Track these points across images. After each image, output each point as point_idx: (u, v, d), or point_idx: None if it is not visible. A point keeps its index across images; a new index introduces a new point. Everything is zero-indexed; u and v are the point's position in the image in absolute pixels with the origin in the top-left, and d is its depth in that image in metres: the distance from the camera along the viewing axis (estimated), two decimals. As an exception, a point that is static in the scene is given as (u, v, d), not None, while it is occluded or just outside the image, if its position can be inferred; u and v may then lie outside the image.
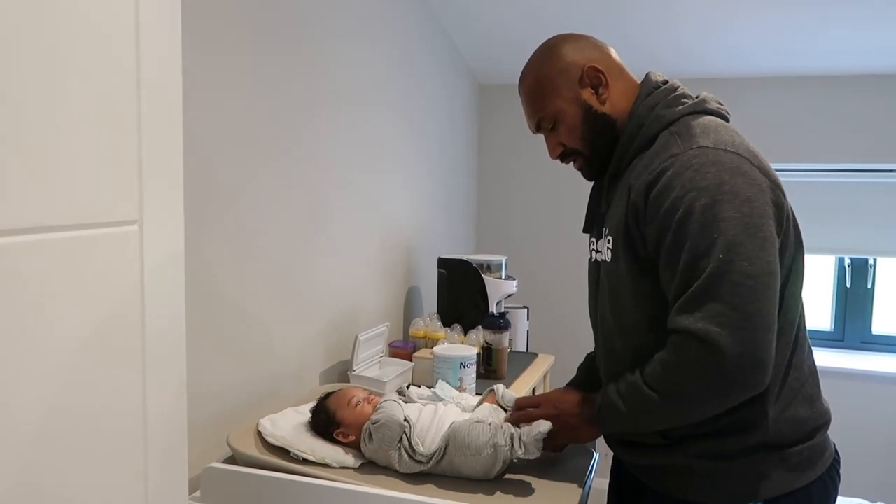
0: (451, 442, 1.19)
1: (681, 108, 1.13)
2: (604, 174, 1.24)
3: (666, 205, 1.04)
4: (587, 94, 1.18)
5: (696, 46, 2.65)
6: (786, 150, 2.85)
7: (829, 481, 1.14)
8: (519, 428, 1.21)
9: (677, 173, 1.04)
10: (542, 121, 1.22)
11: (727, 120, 1.17)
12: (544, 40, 1.25)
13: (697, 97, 1.17)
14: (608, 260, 1.17)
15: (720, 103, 1.19)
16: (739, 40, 2.58)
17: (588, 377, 1.38)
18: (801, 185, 2.92)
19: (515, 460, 1.20)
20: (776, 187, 1.07)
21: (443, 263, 2.33)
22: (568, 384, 1.40)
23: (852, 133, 2.81)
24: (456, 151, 2.92)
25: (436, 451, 1.19)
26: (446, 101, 2.78)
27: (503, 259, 2.34)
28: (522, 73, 1.25)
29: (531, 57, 1.25)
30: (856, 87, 2.78)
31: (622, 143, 1.17)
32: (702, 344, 0.99)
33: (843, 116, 2.81)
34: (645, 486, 1.20)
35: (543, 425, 1.17)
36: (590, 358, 1.43)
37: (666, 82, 1.19)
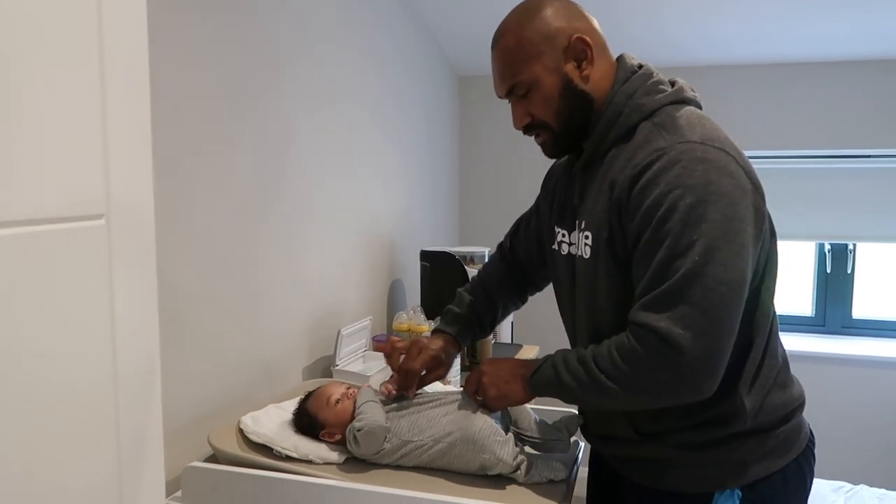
0: (462, 431, 1.17)
1: (660, 96, 1.09)
2: (566, 153, 1.19)
3: (649, 201, 1.01)
4: (570, 67, 1.10)
5: (677, 35, 2.66)
6: (766, 137, 2.86)
7: (805, 462, 1.14)
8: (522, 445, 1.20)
9: (663, 168, 1.00)
10: (516, 87, 1.13)
11: (700, 108, 1.14)
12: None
13: (673, 84, 1.13)
14: (586, 256, 1.13)
15: (693, 90, 1.15)
16: (719, 29, 2.59)
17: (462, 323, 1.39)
18: (781, 171, 2.94)
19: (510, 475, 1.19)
20: (756, 190, 1.04)
21: (426, 256, 2.31)
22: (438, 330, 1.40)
23: (832, 119, 2.83)
24: (437, 143, 2.91)
25: (430, 437, 1.18)
26: (426, 93, 2.76)
27: (486, 251, 2.33)
28: (499, 30, 1.15)
29: (511, 14, 1.15)
30: (835, 74, 2.80)
31: (598, 130, 1.12)
32: (662, 342, 0.98)
33: (824, 103, 2.83)
34: (622, 477, 1.18)
35: (559, 474, 1.17)
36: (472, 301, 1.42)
37: (641, 66, 1.14)
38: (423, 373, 1.32)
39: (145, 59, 0.67)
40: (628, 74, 1.12)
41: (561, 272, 1.24)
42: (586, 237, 1.12)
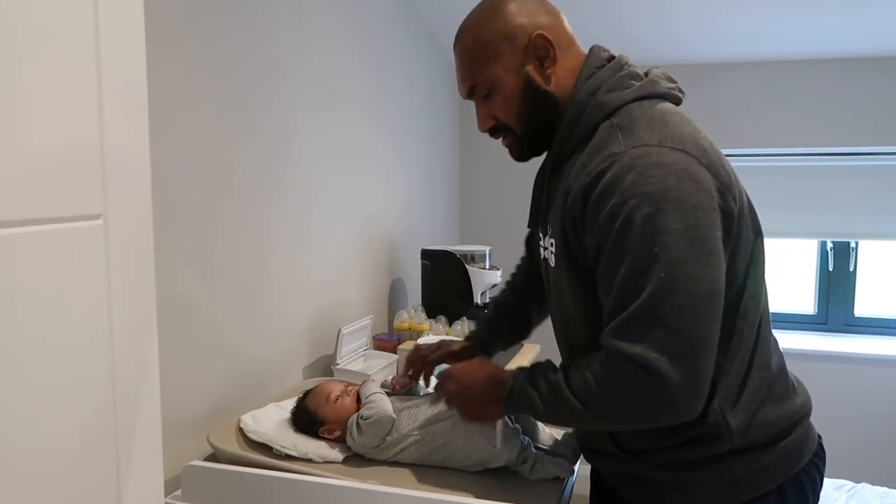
0: (465, 422, 1.17)
1: (626, 92, 1.01)
2: (533, 156, 1.14)
3: (605, 212, 0.93)
4: (531, 67, 1.05)
5: (681, 32, 2.65)
6: (768, 135, 2.85)
7: (806, 478, 1.05)
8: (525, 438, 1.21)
9: (617, 176, 0.92)
10: (476, 87, 1.08)
11: (679, 101, 1.06)
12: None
13: (646, 76, 1.05)
14: (552, 264, 1.08)
15: (672, 80, 1.07)
16: (721, 26, 2.58)
17: (492, 332, 1.40)
18: (784, 168, 2.92)
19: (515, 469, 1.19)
20: (725, 189, 0.94)
21: (426, 255, 2.31)
22: (470, 337, 1.41)
23: (835, 116, 2.81)
24: (437, 141, 2.91)
25: (429, 432, 1.19)
26: (427, 92, 2.75)
27: (487, 249, 2.33)
28: (460, 29, 1.10)
29: (472, 11, 1.09)
30: (838, 71, 2.79)
31: (560, 131, 1.05)
32: (641, 370, 0.90)
33: (827, 100, 2.82)
34: (618, 496, 1.14)
35: (565, 472, 1.19)
36: (500, 307, 1.43)
37: (612, 58, 1.06)
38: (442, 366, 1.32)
39: (143, 59, 0.67)
40: (593, 70, 1.05)
41: (543, 277, 1.19)
42: (551, 244, 1.08)
